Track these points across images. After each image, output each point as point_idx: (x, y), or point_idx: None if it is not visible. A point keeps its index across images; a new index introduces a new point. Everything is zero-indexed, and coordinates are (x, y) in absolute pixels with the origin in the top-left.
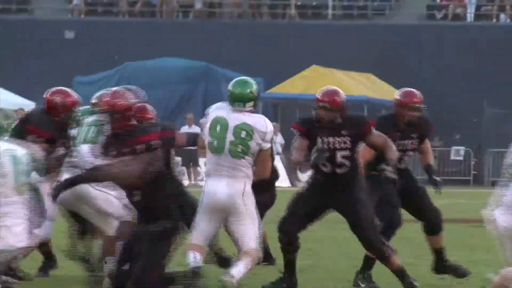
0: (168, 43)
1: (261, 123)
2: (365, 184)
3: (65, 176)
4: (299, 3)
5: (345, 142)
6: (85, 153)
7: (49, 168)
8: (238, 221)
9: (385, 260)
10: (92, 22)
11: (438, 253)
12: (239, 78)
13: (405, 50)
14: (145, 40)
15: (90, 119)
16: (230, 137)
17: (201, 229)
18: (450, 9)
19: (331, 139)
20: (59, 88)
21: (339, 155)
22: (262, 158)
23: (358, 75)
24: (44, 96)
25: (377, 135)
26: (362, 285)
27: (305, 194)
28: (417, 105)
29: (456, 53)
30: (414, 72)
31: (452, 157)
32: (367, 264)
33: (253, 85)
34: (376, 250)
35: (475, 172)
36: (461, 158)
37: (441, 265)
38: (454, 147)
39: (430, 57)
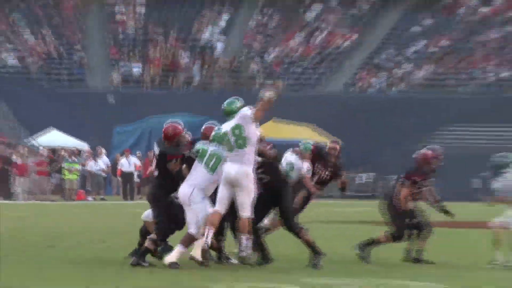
0: (177, 105)
1: (243, 112)
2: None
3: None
4: (262, 79)
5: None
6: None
7: (184, 175)
8: (240, 192)
9: (299, 235)
10: (127, 88)
11: None
12: (229, 99)
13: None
14: (161, 102)
15: (213, 148)
16: (231, 137)
17: (221, 197)
18: (366, 82)
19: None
20: (170, 121)
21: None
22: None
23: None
24: (165, 128)
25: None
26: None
27: (260, 195)
28: None
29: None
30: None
31: None
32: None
33: (238, 102)
34: (293, 229)
35: None
36: None
37: None
38: None
39: (354, 115)
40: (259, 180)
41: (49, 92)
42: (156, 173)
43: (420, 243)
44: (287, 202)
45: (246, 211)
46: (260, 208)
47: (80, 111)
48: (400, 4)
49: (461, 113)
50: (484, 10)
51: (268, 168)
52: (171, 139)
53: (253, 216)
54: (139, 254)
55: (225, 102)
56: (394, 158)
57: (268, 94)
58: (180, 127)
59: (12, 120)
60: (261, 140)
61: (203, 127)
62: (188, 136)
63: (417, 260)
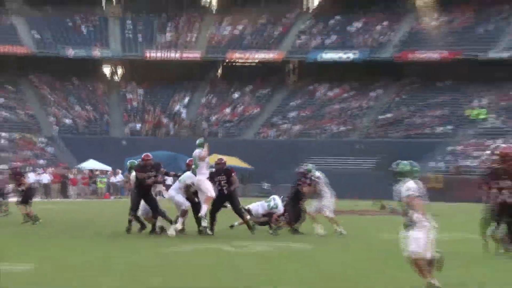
0: (160, 146)
1: (197, 150)
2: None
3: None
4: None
5: (223, 179)
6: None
7: (151, 182)
8: (199, 190)
9: (241, 216)
10: (133, 137)
11: None
12: (199, 138)
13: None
14: (152, 145)
15: (187, 173)
16: (196, 162)
17: (199, 195)
18: (266, 133)
19: (220, 177)
20: (145, 153)
21: (222, 182)
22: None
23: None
24: (142, 157)
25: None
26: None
27: (218, 196)
28: None
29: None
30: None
31: None
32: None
33: (201, 140)
34: (239, 213)
35: None
36: None
37: None
38: None
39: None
40: (218, 186)
41: (89, 139)
42: (134, 180)
43: (297, 224)
44: (235, 201)
45: (209, 194)
46: (217, 205)
47: (106, 149)
48: (283, 91)
49: (320, 150)
50: (330, 94)
51: (226, 179)
52: (144, 161)
53: (214, 197)
54: (128, 226)
55: (197, 140)
56: (282, 175)
57: (204, 151)
58: (150, 156)
59: (69, 154)
60: (223, 163)
61: (188, 160)
62: (152, 161)
63: (295, 231)
